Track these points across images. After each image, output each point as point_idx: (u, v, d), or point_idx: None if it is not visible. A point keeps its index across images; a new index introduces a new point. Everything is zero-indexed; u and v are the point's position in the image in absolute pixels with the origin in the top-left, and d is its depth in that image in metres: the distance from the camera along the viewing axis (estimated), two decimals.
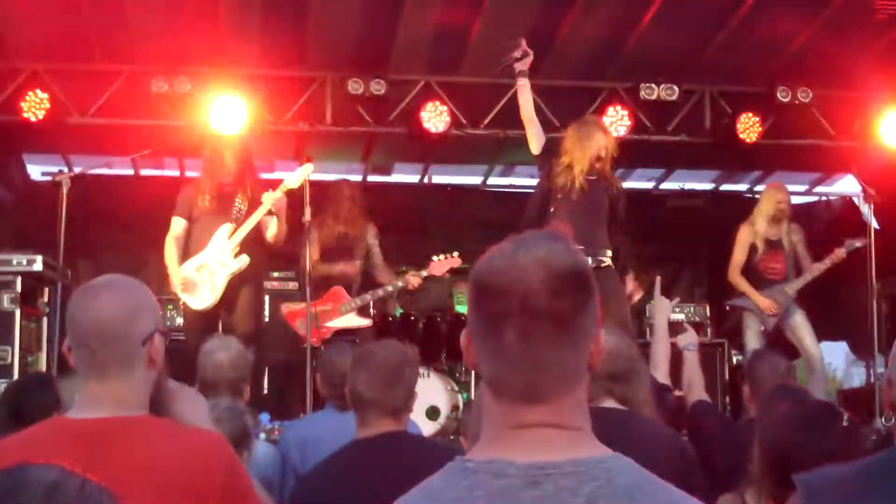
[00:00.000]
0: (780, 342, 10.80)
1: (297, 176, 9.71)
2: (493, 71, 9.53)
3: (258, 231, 9.69)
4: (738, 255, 11.19)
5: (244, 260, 9.59)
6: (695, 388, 6.50)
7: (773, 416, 4.20)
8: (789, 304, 10.96)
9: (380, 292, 10.99)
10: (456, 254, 11.03)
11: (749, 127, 12.17)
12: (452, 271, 12.42)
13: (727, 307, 11.56)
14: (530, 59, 9.10)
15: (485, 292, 2.13)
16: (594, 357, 2.15)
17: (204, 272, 9.62)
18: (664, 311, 6.61)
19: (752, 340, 10.99)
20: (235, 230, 9.62)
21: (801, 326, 10.94)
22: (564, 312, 2.09)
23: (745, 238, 11.19)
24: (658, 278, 6.96)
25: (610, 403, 4.75)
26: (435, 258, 10.95)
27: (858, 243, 10.77)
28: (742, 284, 11.11)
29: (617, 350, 4.78)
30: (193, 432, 3.18)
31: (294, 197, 9.70)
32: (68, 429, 3.06)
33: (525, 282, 2.08)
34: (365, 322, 10.85)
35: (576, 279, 2.12)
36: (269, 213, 9.60)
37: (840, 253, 10.88)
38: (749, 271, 11.15)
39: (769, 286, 11.02)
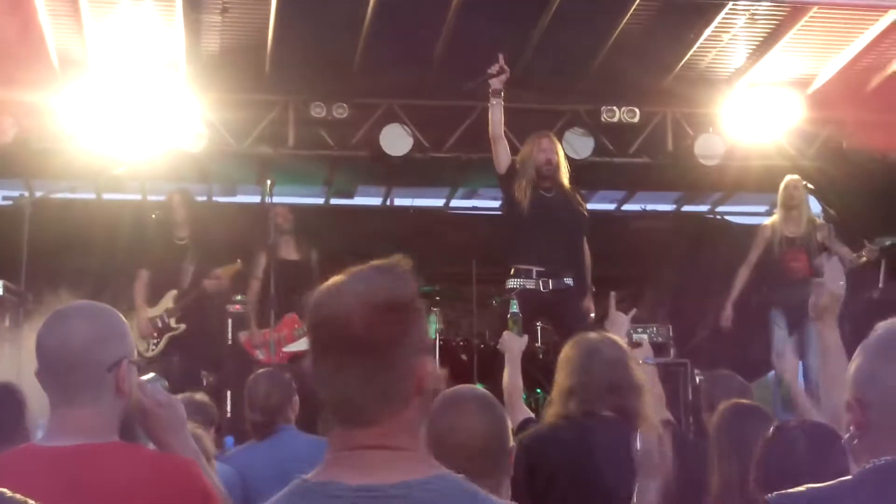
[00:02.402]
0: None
1: (227, 268, 10.90)
2: (467, 85, 9.52)
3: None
4: (751, 254, 11.19)
5: (181, 328, 10.75)
6: (657, 405, 6.50)
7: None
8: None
9: None
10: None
11: None
12: (422, 296, 12.49)
13: (754, 306, 11.42)
14: (506, 76, 9.09)
15: (312, 324, 2.33)
16: (421, 382, 2.29)
17: (153, 325, 10.77)
18: (621, 327, 6.58)
19: (781, 339, 10.78)
20: (179, 297, 10.82)
21: (810, 343, 10.72)
22: (380, 342, 2.25)
23: (761, 235, 11.21)
24: (612, 294, 6.94)
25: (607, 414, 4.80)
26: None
27: (888, 241, 10.78)
28: (737, 282, 11.15)
29: (613, 359, 4.88)
30: (165, 458, 3.19)
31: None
32: (40, 457, 3.04)
33: (343, 314, 2.26)
34: None
35: (392, 311, 2.28)
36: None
37: (872, 249, 10.83)
38: (770, 272, 11.05)
39: (792, 286, 10.77)
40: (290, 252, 10.86)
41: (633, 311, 6.83)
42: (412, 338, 2.29)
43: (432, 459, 2.34)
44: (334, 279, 2.37)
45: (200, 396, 6.62)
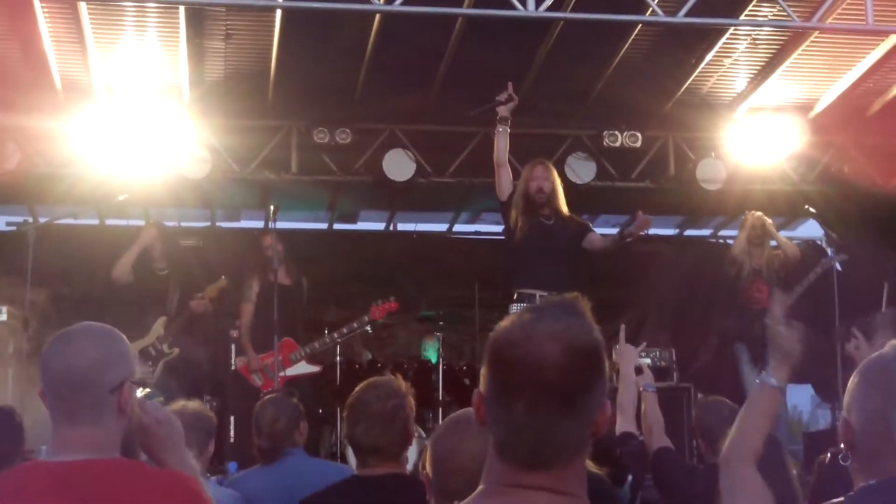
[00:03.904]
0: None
1: (212, 287, 11.19)
2: (474, 111, 9.53)
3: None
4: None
5: (175, 352, 10.99)
6: (655, 431, 6.52)
7: None
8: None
9: (326, 340, 11.17)
10: (392, 298, 11.38)
11: None
12: (420, 320, 12.66)
13: (717, 340, 11.66)
14: (514, 103, 9.10)
15: (499, 361, 2.19)
16: (600, 426, 2.22)
17: (146, 355, 10.90)
18: (630, 358, 6.64)
19: (745, 371, 11.07)
20: (169, 323, 11.03)
21: None
22: (575, 389, 2.16)
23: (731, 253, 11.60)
24: (622, 326, 6.99)
25: None
26: (374, 304, 11.18)
27: (835, 260, 10.95)
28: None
29: None
30: (168, 474, 3.21)
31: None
32: (45, 471, 3.07)
33: (539, 357, 2.14)
34: (314, 369, 11.25)
35: (589, 357, 2.18)
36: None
37: (817, 271, 11.08)
38: (734, 302, 11.36)
39: (754, 318, 11.07)
40: (282, 277, 10.87)
41: (643, 345, 6.87)
42: (601, 385, 2.20)
43: None
44: (519, 316, 2.24)
45: (194, 405, 6.48)
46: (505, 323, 2.24)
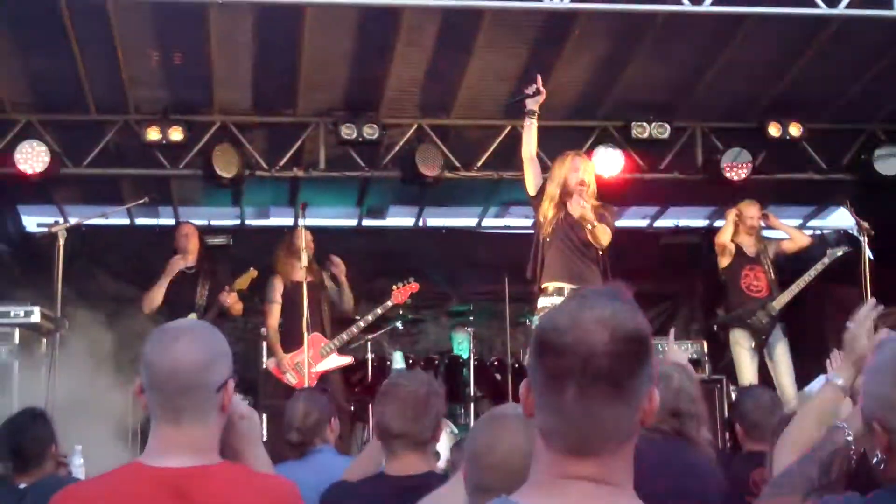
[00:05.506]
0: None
1: (243, 278, 11.12)
2: (504, 103, 9.50)
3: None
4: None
5: None
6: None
7: None
8: (775, 323, 11.19)
9: (353, 329, 11.18)
10: (412, 279, 11.52)
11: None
12: (451, 314, 12.63)
13: (714, 327, 11.70)
14: (542, 97, 9.05)
15: (547, 350, 2.19)
16: (648, 414, 2.21)
17: None
18: (678, 360, 6.67)
19: (744, 357, 11.16)
20: (198, 318, 10.65)
21: (781, 361, 11.05)
22: (624, 374, 2.15)
23: (722, 241, 11.53)
24: (672, 330, 7.04)
25: None
26: (395, 287, 11.19)
27: (840, 251, 11.01)
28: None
29: (680, 387, 4.83)
30: (270, 480, 3.24)
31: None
32: (150, 476, 3.06)
33: (588, 343, 2.14)
34: (346, 360, 11.34)
35: (637, 343, 2.18)
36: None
37: (824, 262, 11.27)
38: (732, 290, 11.42)
39: (753, 304, 11.22)
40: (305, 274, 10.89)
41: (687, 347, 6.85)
42: (649, 370, 2.20)
43: (637, 497, 2.26)
44: (565, 302, 2.27)
45: None
46: (550, 312, 2.24)
